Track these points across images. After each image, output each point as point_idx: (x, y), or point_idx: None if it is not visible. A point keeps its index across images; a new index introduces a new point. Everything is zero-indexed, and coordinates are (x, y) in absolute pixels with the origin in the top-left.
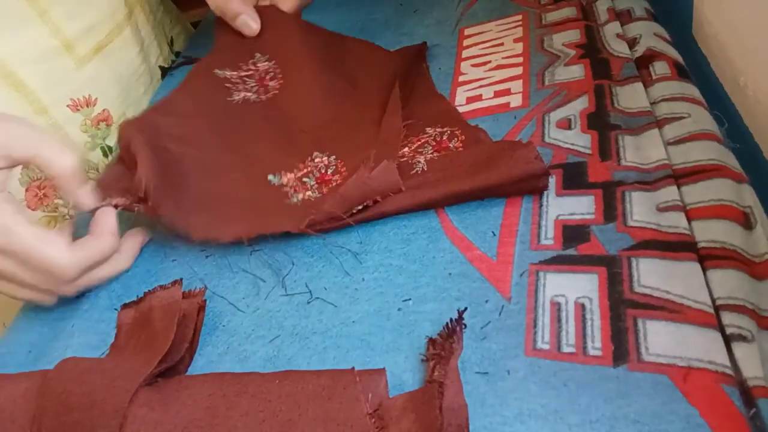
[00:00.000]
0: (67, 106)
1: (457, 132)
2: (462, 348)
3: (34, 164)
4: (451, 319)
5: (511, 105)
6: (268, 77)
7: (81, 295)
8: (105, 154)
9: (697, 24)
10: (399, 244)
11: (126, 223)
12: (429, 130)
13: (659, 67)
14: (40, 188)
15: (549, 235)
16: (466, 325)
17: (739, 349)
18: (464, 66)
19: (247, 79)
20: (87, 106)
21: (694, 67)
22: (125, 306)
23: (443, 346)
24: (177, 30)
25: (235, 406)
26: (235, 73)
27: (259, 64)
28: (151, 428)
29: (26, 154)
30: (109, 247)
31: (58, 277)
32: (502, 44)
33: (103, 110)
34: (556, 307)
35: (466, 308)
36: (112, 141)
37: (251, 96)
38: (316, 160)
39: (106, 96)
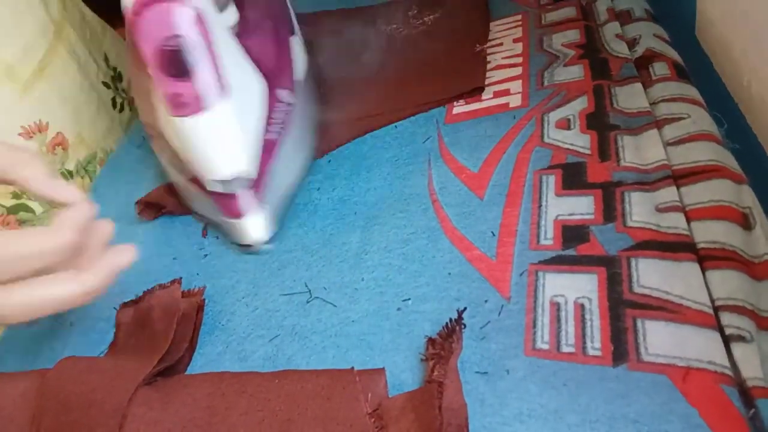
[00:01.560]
0: (19, 134)
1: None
2: (461, 348)
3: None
4: (450, 319)
5: (511, 105)
6: None
7: None
8: (66, 178)
9: (701, 24)
10: (398, 243)
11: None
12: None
13: (659, 68)
14: (3, 223)
15: (548, 235)
16: (465, 325)
17: (738, 349)
18: None
19: None
20: (39, 131)
21: (697, 68)
22: (124, 305)
23: (443, 345)
24: (108, 45)
25: (234, 406)
26: None
27: None
28: (151, 427)
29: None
30: (55, 244)
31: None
32: (501, 44)
33: (57, 134)
34: (556, 307)
35: (465, 308)
36: (71, 165)
37: None
38: None
39: (57, 119)
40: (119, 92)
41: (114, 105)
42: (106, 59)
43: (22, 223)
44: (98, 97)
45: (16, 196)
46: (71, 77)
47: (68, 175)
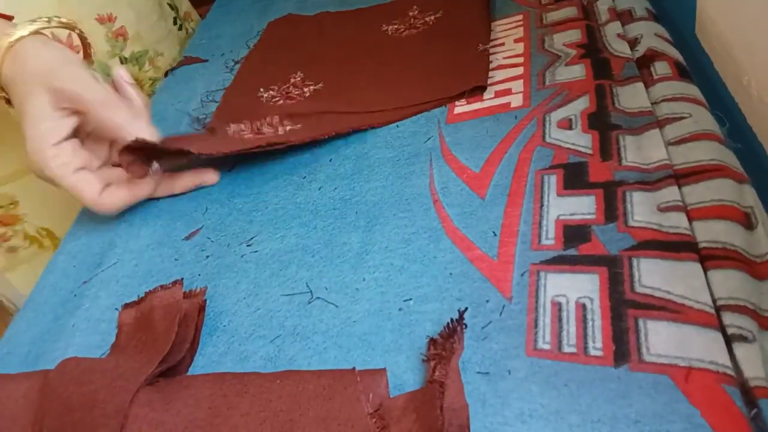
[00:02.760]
0: (94, 19)
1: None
2: (463, 348)
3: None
4: (451, 319)
5: (512, 105)
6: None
7: (81, 295)
8: (121, 62)
9: (701, 23)
10: (400, 244)
11: None
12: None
13: (660, 67)
14: None
15: (550, 235)
16: (466, 325)
17: (740, 349)
18: None
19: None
20: (109, 21)
21: (697, 67)
22: (126, 306)
23: (444, 346)
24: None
25: (235, 406)
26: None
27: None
28: (153, 428)
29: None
30: (145, 194)
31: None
32: (503, 44)
33: (121, 27)
34: (557, 307)
35: (466, 308)
36: (127, 53)
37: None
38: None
39: (123, 15)
40: (179, 16)
41: (174, 23)
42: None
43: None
44: (161, 11)
45: None
46: None
47: (124, 59)
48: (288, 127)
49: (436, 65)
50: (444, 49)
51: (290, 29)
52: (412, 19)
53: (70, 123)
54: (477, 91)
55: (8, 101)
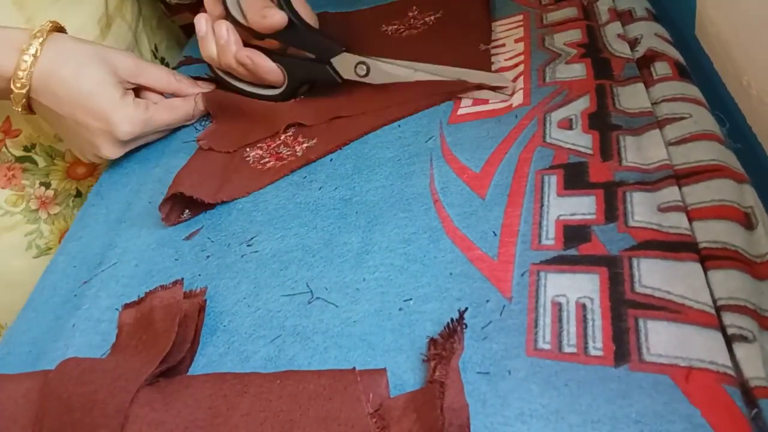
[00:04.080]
0: None
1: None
2: (463, 348)
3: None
4: (452, 319)
5: (513, 104)
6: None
7: (81, 295)
8: None
9: (700, 23)
10: (400, 243)
11: None
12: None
13: (660, 68)
14: (9, 169)
15: (550, 235)
16: (467, 325)
17: (740, 349)
18: None
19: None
20: None
21: (697, 67)
22: (126, 306)
23: (444, 346)
24: (159, 38)
25: (236, 406)
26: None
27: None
28: (153, 428)
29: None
30: (183, 118)
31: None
32: (503, 45)
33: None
34: (557, 307)
35: (466, 308)
36: None
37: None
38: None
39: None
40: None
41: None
42: (155, 50)
43: (24, 171)
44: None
45: (26, 149)
46: None
47: None
48: (304, 145)
49: (439, 63)
50: (445, 49)
51: None
52: (411, 20)
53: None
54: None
55: (29, 108)
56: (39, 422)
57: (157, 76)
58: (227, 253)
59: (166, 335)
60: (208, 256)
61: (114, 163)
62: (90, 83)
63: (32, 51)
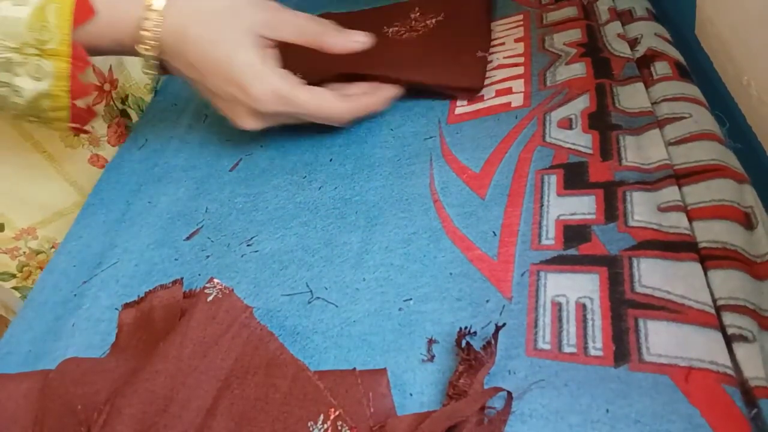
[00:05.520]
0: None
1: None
2: (494, 362)
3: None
4: (461, 328)
5: (513, 105)
6: None
7: (81, 295)
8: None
9: (700, 23)
10: (400, 243)
11: None
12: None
13: (660, 67)
14: (118, 125)
15: (550, 235)
16: (476, 332)
17: (740, 349)
18: None
19: None
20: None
21: (697, 67)
22: (126, 306)
23: (476, 355)
24: None
25: (235, 407)
26: None
27: None
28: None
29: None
30: (377, 110)
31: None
32: (503, 44)
33: None
34: (557, 307)
35: (504, 324)
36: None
37: None
38: None
39: None
40: None
41: None
42: None
43: (126, 127)
44: None
45: (122, 101)
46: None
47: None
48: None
49: (434, 65)
50: (442, 54)
51: None
52: (413, 22)
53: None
54: (472, 92)
55: (162, 68)
56: (39, 422)
57: (299, 27)
58: (227, 253)
59: (166, 335)
60: (208, 256)
61: (114, 163)
62: (225, 47)
63: (157, 4)
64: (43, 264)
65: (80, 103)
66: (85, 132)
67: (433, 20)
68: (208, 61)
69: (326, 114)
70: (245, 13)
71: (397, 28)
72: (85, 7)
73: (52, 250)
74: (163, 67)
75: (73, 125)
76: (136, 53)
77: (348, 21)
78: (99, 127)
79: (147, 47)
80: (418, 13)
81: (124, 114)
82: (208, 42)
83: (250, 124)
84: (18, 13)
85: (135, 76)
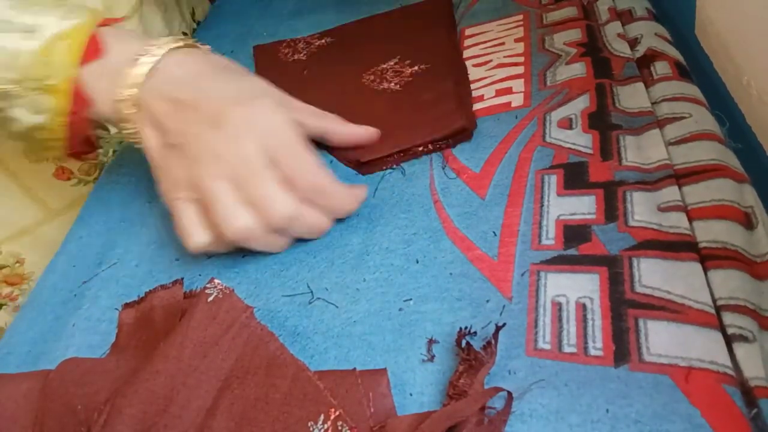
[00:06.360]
0: None
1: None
2: (494, 362)
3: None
4: (461, 327)
5: (513, 104)
6: None
7: (81, 295)
8: None
9: (700, 23)
10: (400, 244)
11: None
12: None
13: (660, 67)
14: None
15: (550, 235)
16: (476, 332)
17: (740, 349)
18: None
19: None
20: None
21: (697, 67)
22: (126, 306)
23: (476, 355)
24: (196, 0)
25: (233, 407)
26: None
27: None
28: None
29: (318, 130)
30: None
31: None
32: (503, 44)
33: None
34: (557, 307)
35: (504, 324)
36: None
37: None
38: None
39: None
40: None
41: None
42: (193, 13)
43: (97, 139)
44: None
45: None
46: (153, 24)
47: None
48: None
49: (416, 113)
50: (424, 99)
51: (275, 71)
52: (389, 72)
53: None
54: (465, 133)
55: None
56: (39, 423)
57: (308, 113)
58: (227, 253)
59: (166, 335)
60: (208, 257)
61: (114, 163)
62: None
63: (152, 59)
64: (8, 278)
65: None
66: (82, 159)
67: (411, 70)
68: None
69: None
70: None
71: (372, 77)
72: (96, 47)
73: (17, 264)
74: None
75: (70, 154)
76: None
77: (330, 69)
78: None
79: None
80: (397, 61)
81: (97, 126)
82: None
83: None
84: (25, 46)
85: None
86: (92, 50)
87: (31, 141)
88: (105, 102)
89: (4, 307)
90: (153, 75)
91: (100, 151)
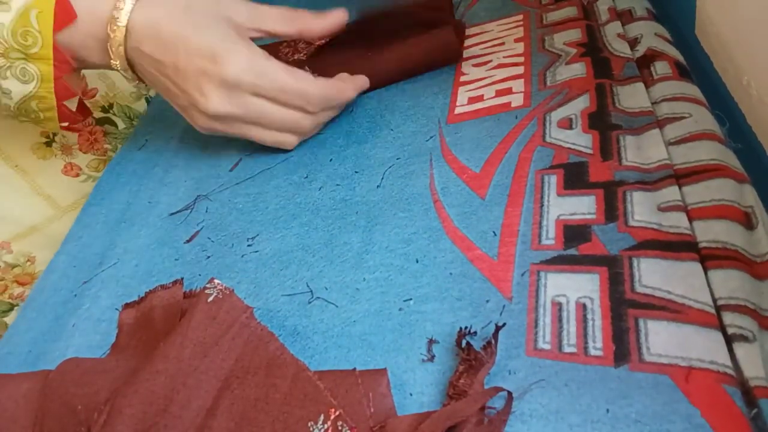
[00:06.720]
0: None
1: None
2: (494, 362)
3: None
4: (460, 327)
5: (513, 105)
6: None
7: (82, 295)
8: (147, 102)
9: (700, 23)
10: (400, 244)
11: None
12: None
13: (660, 67)
14: (91, 133)
15: (550, 234)
16: (476, 332)
17: (740, 349)
18: (465, 66)
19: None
20: None
21: (697, 67)
22: (127, 306)
23: (476, 355)
24: None
25: (233, 407)
26: None
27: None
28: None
29: (293, 36)
30: (348, 97)
31: (308, 104)
32: (503, 44)
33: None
34: (557, 307)
35: (504, 324)
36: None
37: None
38: None
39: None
40: None
41: None
42: None
43: (106, 134)
44: None
45: (104, 109)
46: None
47: (149, 100)
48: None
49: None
50: (416, 33)
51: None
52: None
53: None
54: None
55: (139, 78)
56: (39, 423)
57: (279, 19)
58: (227, 253)
59: (166, 335)
60: (208, 257)
61: (114, 163)
62: (201, 23)
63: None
64: (20, 278)
65: (69, 103)
66: (78, 130)
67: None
68: (179, 37)
69: (299, 90)
70: (225, 4)
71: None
72: (66, 12)
73: (28, 263)
74: (130, 63)
75: (64, 125)
76: (104, 43)
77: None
78: (70, 136)
79: (114, 28)
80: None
81: (106, 122)
82: (182, 23)
83: (203, 121)
84: (1, 18)
85: (120, 84)
86: (62, 15)
87: (27, 113)
88: (97, 60)
89: (15, 308)
90: (132, 27)
91: (108, 146)
